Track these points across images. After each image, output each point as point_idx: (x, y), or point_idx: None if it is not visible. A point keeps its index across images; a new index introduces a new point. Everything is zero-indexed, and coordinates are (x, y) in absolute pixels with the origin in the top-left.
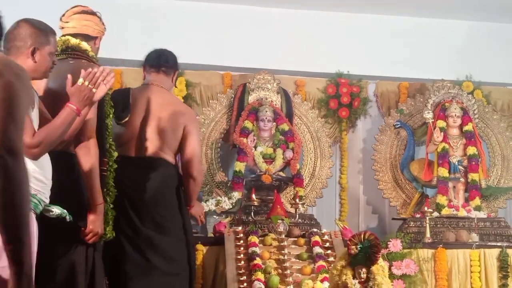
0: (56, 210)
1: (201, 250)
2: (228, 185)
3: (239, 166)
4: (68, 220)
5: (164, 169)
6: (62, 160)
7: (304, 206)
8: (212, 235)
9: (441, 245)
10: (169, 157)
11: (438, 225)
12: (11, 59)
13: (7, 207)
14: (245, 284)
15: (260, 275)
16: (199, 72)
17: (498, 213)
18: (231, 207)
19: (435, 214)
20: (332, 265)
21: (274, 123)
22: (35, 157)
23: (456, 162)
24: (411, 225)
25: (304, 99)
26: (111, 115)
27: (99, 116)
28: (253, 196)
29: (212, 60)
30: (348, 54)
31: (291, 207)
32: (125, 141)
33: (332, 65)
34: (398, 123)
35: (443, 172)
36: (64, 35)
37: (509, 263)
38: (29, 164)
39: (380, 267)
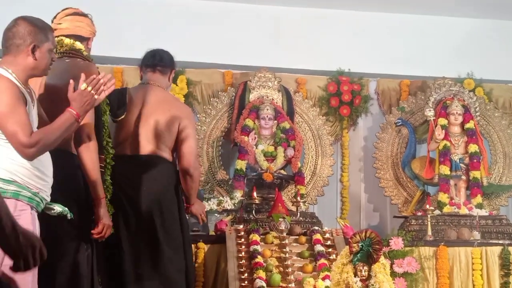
0: (58, 208)
1: (203, 248)
2: (229, 183)
3: (240, 164)
4: (69, 218)
5: (161, 167)
6: (61, 159)
7: (305, 204)
8: (213, 233)
9: (442, 243)
10: (166, 154)
11: (440, 223)
12: None
13: None
14: (246, 282)
15: (261, 273)
16: (200, 70)
17: (500, 210)
18: (233, 207)
19: (437, 212)
20: (333, 263)
21: (275, 121)
22: (30, 157)
23: (458, 160)
24: (412, 223)
25: (305, 97)
26: (107, 113)
27: (96, 113)
28: (254, 194)
29: (213, 58)
30: (349, 51)
31: (292, 205)
32: (121, 139)
33: (333, 63)
34: (399, 121)
35: (445, 170)
36: (57, 36)
37: (510, 261)
38: (30, 162)
39: (382, 265)
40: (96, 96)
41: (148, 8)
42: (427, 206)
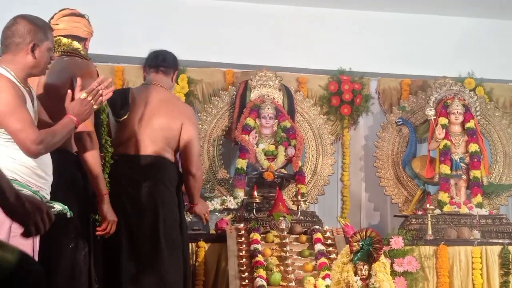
0: (58, 206)
1: (203, 247)
2: (230, 182)
3: (241, 163)
4: (69, 216)
5: (163, 167)
6: (60, 158)
7: (306, 203)
8: (214, 232)
9: (442, 242)
10: (168, 154)
11: (440, 222)
12: None
13: None
14: (247, 281)
15: (262, 272)
16: (201, 69)
17: (500, 210)
18: (236, 207)
19: (437, 211)
20: (334, 262)
21: (276, 120)
22: (35, 155)
23: (458, 159)
24: (412, 222)
25: (306, 96)
26: (106, 111)
27: (95, 112)
28: (255, 193)
29: (214, 57)
30: (350, 51)
31: (293, 204)
32: (124, 139)
33: (334, 62)
34: (400, 120)
35: (445, 169)
36: (54, 36)
37: (510, 260)
38: (30, 160)
39: (382, 264)
40: (95, 107)
41: (150, 6)
42: (428, 205)
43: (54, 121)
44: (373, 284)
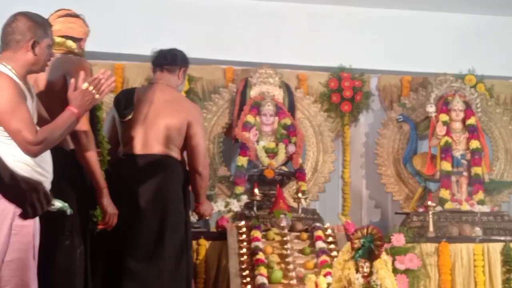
0: (58, 203)
1: (204, 245)
2: (231, 179)
3: (242, 160)
4: (69, 213)
5: (169, 166)
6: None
7: (307, 200)
8: (215, 230)
9: (444, 240)
10: (175, 153)
11: (441, 220)
12: None
13: None
14: (248, 279)
15: (263, 270)
16: (201, 67)
17: (502, 207)
18: (239, 209)
19: (438, 208)
20: (335, 260)
21: (277, 117)
22: (35, 155)
23: (459, 156)
24: (414, 220)
25: (306, 93)
26: (101, 108)
27: (91, 109)
28: (256, 190)
29: (214, 55)
30: (350, 48)
31: (293, 201)
32: (130, 139)
33: (334, 59)
34: (401, 117)
35: (446, 166)
36: None
37: None
38: (30, 158)
39: (383, 262)
40: (97, 96)
41: (150, 4)
42: (429, 203)
43: (50, 118)
44: (374, 281)
